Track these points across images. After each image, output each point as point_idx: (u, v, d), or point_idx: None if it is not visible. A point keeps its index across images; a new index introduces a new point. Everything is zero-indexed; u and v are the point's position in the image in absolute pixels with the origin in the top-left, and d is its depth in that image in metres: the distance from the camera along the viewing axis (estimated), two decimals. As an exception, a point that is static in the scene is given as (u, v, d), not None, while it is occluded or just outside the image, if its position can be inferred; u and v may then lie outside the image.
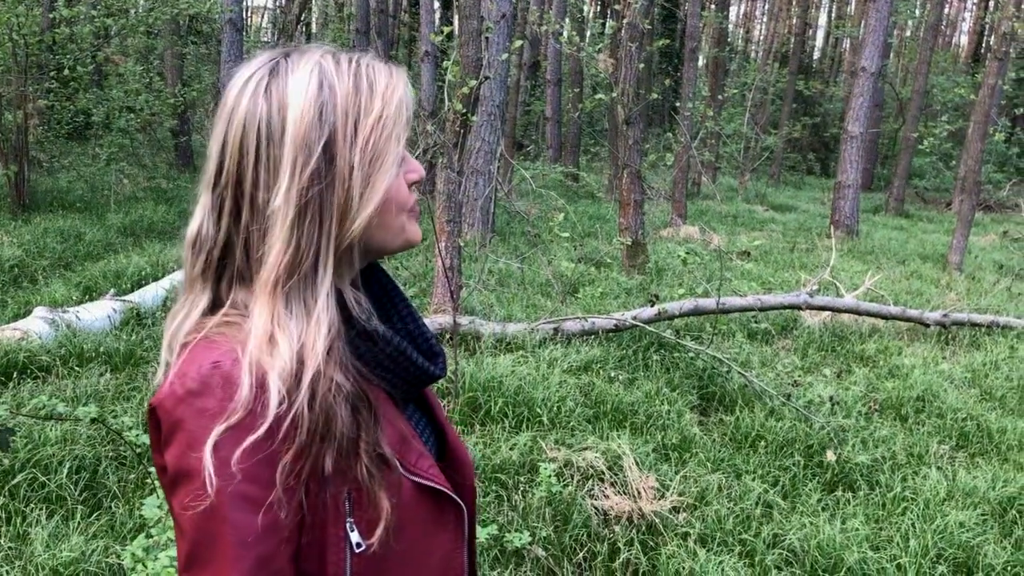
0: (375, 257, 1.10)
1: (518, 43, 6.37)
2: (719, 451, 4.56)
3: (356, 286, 1.04)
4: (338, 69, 0.99)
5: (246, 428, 0.91)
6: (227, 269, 1.00)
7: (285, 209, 0.95)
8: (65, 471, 3.62)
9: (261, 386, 0.92)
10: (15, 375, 4.76)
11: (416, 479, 1.06)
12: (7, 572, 3.06)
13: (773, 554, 3.61)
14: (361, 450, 0.97)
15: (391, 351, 1.05)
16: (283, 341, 0.94)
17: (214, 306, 1.01)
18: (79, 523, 3.36)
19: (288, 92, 0.97)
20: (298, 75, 0.98)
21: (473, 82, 5.75)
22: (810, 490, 4.22)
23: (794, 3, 30.11)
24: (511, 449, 4.17)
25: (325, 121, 0.96)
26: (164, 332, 1.03)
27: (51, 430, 3.86)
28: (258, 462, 0.91)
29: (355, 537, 0.98)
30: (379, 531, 0.99)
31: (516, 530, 3.49)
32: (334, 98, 0.97)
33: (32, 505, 3.47)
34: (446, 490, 1.11)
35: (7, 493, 3.49)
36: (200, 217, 1.01)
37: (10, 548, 3.19)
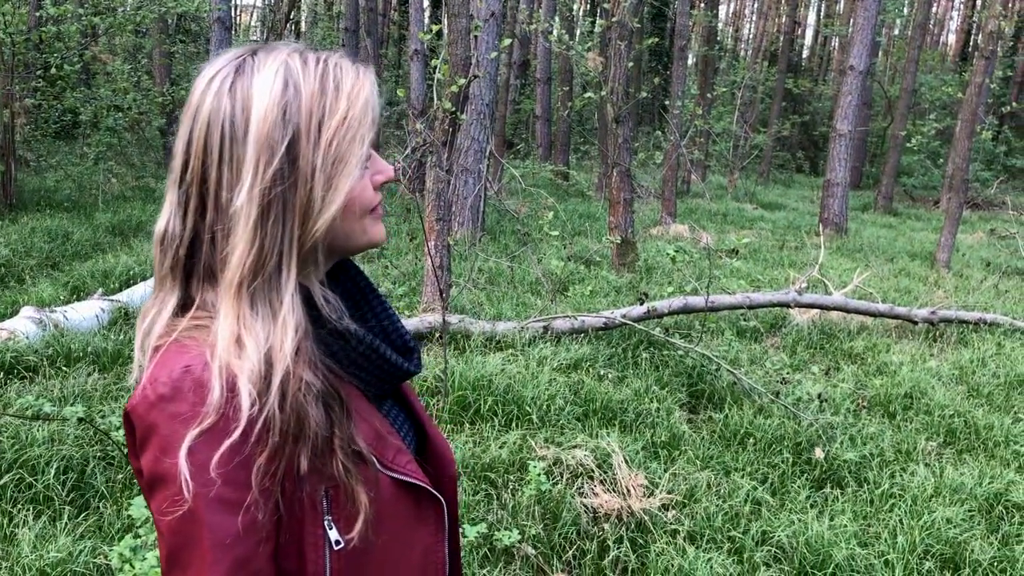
0: (340, 257, 1.09)
1: (507, 42, 6.37)
2: (708, 449, 4.57)
3: (324, 284, 1.04)
4: (304, 69, 0.99)
5: (220, 432, 0.91)
6: (196, 267, 1.00)
7: (248, 209, 0.94)
8: (52, 472, 3.60)
9: (232, 389, 0.92)
10: (2, 375, 4.74)
11: (394, 475, 1.06)
12: (-6, 573, 3.04)
13: (762, 551, 3.62)
14: (336, 447, 0.97)
15: (364, 349, 1.06)
16: (250, 343, 0.94)
17: (185, 305, 1.01)
18: (66, 524, 3.35)
19: (252, 91, 0.96)
20: (263, 74, 0.97)
21: (462, 81, 5.75)
22: (798, 487, 4.23)
23: (783, 2, 30.21)
24: (501, 448, 4.17)
25: (289, 121, 0.96)
26: (136, 331, 1.03)
27: (38, 430, 3.84)
28: (234, 465, 0.91)
29: (334, 535, 0.99)
30: (358, 526, 0.99)
31: (506, 528, 3.49)
32: (299, 98, 0.97)
33: (19, 506, 3.45)
34: (424, 485, 1.11)
35: (-6, 494, 3.47)
36: (167, 214, 1.01)
37: (-3, 549, 3.18)
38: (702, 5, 21.11)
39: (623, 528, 3.70)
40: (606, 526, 3.69)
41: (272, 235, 0.95)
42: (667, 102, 15.39)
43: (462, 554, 2.49)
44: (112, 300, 6.15)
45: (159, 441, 0.92)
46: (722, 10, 41.82)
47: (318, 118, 0.97)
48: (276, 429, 0.93)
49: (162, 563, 0.96)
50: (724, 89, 22.07)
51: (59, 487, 3.57)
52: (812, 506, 4.08)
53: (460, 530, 1.24)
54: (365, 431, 1.03)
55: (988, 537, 3.87)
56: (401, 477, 1.07)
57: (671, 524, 3.76)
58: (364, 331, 1.06)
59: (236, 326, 0.95)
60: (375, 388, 1.10)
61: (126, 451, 3.50)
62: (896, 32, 36.03)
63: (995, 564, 3.65)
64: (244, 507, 0.92)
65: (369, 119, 1.01)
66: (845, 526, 3.81)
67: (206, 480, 0.90)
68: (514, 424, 4.55)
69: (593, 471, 4.02)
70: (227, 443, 0.91)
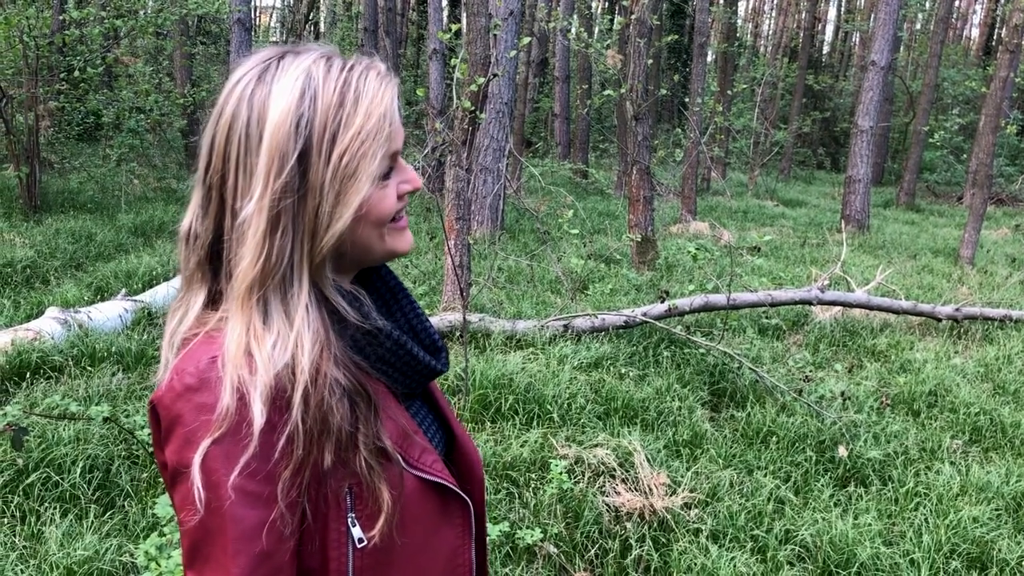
0: (361, 266, 1.09)
1: (526, 40, 6.36)
2: (730, 447, 4.55)
3: (346, 288, 1.04)
4: (327, 77, 0.97)
5: (238, 444, 0.91)
6: (222, 264, 1.00)
7: (257, 219, 0.94)
8: (78, 470, 3.63)
9: (244, 402, 0.92)
10: (28, 375, 4.79)
11: (419, 474, 1.06)
12: (22, 571, 3.08)
13: (785, 550, 3.60)
14: (359, 443, 0.98)
15: (391, 345, 1.06)
16: (262, 357, 0.93)
17: (214, 299, 1.01)
18: (92, 522, 3.38)
19: (270, 101, 0.96)
20: (283, 82, 0.96)
21: (481, 80, 5.75)
22: (822, 486, 4.20)
23: (803, -3, 29.97)
24: (522, 446, 4.17)
25: (301, 134, 0.95)
26: (165, 329, 1.04)
27: (64, 430, 3.87)
28: (257, 455, 0.92)
29: (357, 532, 0.99)
30: (380, 523, 0.99)
31: (528, 527, 3.49)
32: (314, 110, 0.96)
33: (46, 504, 3.49)
34: (450, 485, 1.10)
35: (21, 492, 3.51)
36: (192, 213, 1.01)
37: (25, 547, 3.21)
38: (721, 2, 20.97)
39: (645, 527, 3.68)
40: (628, 525, 3.68)
41: (280, 246, 0.95)
42: (687, 99, 15.33)
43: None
44: (135, 300, 6.20)
45: (184, 432, 0.93)
46: (741, 6, 41.62)
47: (332, 131, 0.96)
48: (300, 443, 0.93)
49: (184, 556, 0.97)
50: (744, 86, 21.92)
51: (85, 486, 3.61)
52: (836, 505, 4.05)
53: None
54: (391, 429, 1.03)
55: (1015, 536, 3.83)
56: (427, 476, 1.07)
57: (693, 523, 3.74)
58: (392, 327, 1.07)
59: (245, 337, 0.94)
60: (403, 386, 1.10)
61: (151, 449, 3.53)
62: (918, 26, 35.71)
63: (1023, 563, 3.61)
64: (267, 501, 0.92)
65: (385, 133, 0.99)
66: (869, 525, 3.78)
67: (221, 493, 0.91)
68: (535, 423, 4.55)
69: (615, 470, 4.01)
70: (243, 458, 0.91)
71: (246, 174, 0.96)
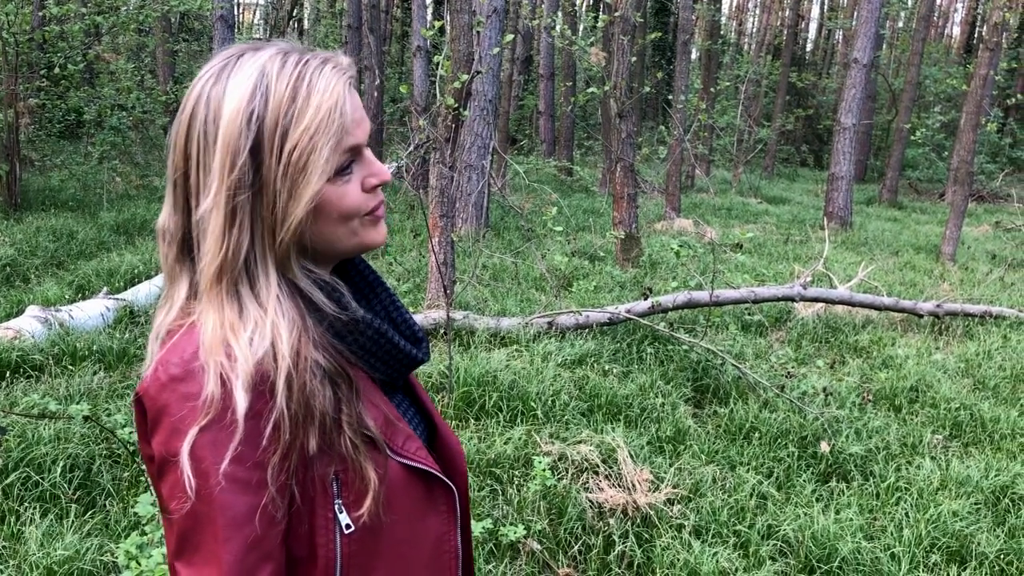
0: (335, 259, 1.09)
1: (509, 37, 6.36)
2: (713, 443, 4.57)
3: (325, 279, 1.04)
4: (280, 73, 0.98)
5: (224, 431, 0.92)
6: (197, 259, 1.01)
7: (216, 214, 0.96)
8: (59, 470, 3.61)
9: (227, 391, 0.93)
10: (8, 374, 4.76)
11: (404, 461, 1.07)
12: (1, 571, 3.05)
13: (767, 545, 3.62)
14: (343, 424, 0.99)
15: (372, 333, 1.07)
16: (240, 347, 0.94)
17: (196, 292, 1.02)
18: (73, 521, 3.36)
19: (224, 98, 0.97)
20: (237, 78, 0.97)
21: (465, 77, 5.74)
22: (804, 481, 4.23)
23: (786, -5, 30.11)
24: (506, 443, 4.18)
25: (252, 129, 0.95)
26: (152, 325, 1.05)
27: (44, 429, 3.85)
28: (244, 441, 0.92)
29: (344, 519, 1.00)
30: (367, 503, 1.00)
31: (511, 524, 3.50)
32: (265, 105, 0.96)
33: (26, 504, 3.46)
34: (435, 471, 1.12)
35: (1, 492, 3.48)
36: (165, 210, 1.03)
37: (4, 547, 3.19)
38: (705, -1, 21.03)
39: (628, 523, 3.70)
40: (611, 521, 3.69)
41: (238, 241, 0.96)
42: (670, 97, 15.37)
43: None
44: (117, 299, 6.16)
45: (171, 422, 0.93)
46: (725, 4, 41.75)
47: (284, 126, 0.96)
48: (286, 427, 0.94)
49: (170, 548, 0.97)
50: (728, 83, 21.98)
51: (65, 485, 3.58)
52: (818, 500, 4.08)
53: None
54: (375, 416, 1.05)
55: (995, 530, 3.86)
56: (412, 463, 1.08)
57: (676, 518, 3.76)
58: (372, 316, 1.08)
59: (221, 329, 0.95)
60: (384, 375, 1.11)
61: (133, 448, 3.51)
62: (900, 25, 35.93)
63: (1002, 556, 3.65)
64: (255, 487, 0.93)
65: (336, 126, 0.98)
66: (851, 519, 3.81)
67: (210, 480, 0.92)
68: (519, 420, 4.55)
69: (598, 466, 4.02)
70: (231, 444, 0.92)
71: (204, 171, 0.97)
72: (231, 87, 0.97)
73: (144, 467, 3.04)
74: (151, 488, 2.83)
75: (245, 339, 0.95)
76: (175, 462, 0.92)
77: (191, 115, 0.98)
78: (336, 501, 0.99)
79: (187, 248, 1.01)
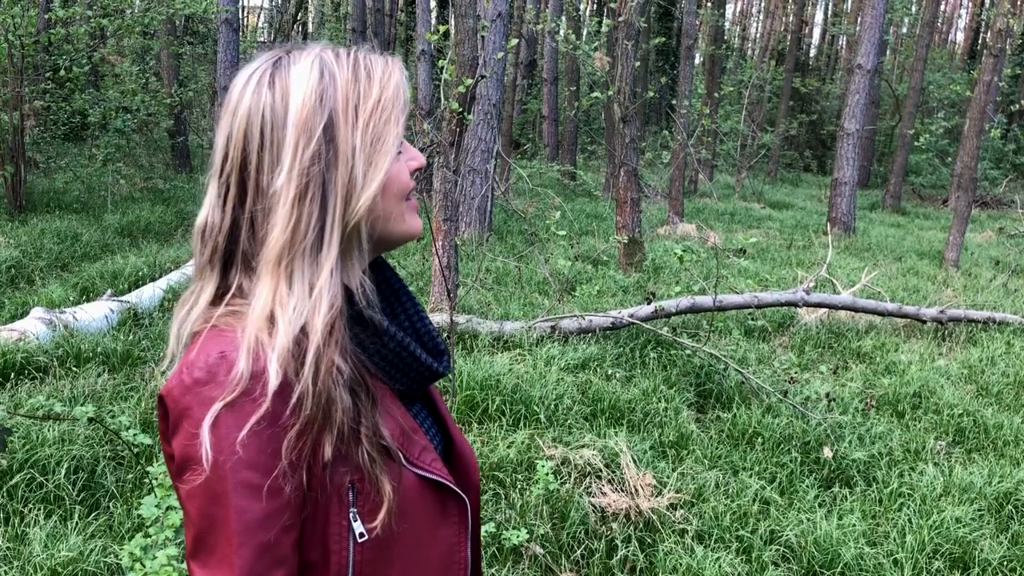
0: (382, 248, 1.11)
1: (514, 42, 6.37)
2: (716, 448, 4.57)
3: (364, 280, 1.06)
4: (338, 60, 1.04)
5: (247, 408, 0.93)
6: (234, 255, 1.03)
7: (287, 189, 0.98)
8: (63, 471, 3.62)
9: (260, 366, 0.94)
10: (12, 376, 4.77)
11: (419, 472, 1.08)
12: (5, 572, 3.06)
13: (770, 550, 3.62)
14: (361, 435, 1.00)
15: (394, 346, 1.08)
16: (282, 321, 0.97)
17: (222, 293, 1.03)
18: (77, 523, 3.37)
19: (291, 81, 1.01)
20: (300, 66, 1.02)
21: (469, 81, 5.75)
22: (807, 486, 4.23)
23: (790, 0, 30.11)
24: (508, 447, 4.18)
25: (326, 105, 1.00)
26: (173, 320, 1.06)
27: (49, 430, 3.86)
28: (260, 447, 0.93)
29: (358, 527, 1.01)
30: (381, 515, 1.01)
31: (514, 528, 3.50)
32: (334, 85, 1.02)
33: (30, 505, 3.47)
34: (449, 483, 1.12)
35: (5, 493, 3.49)
36: (207, 206, 1.04)
37: (8, 548, 3.20)
38: (709, 4, 21.05)
39: (631, 527, 3.70)
40: (614, 525, 3.69)
41: (309, 213, 0.99)
42: (674, 101, 15.38)
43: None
44: (121, 301, 6.17)
45: (192, 424, 0.94)
46: (729, 9, 41.78)
47: (354, 102, 1.02)
48: (309, 403, 0.95)
49: (188, 546, 0.99)
50: (731, 88, 22.01)
51: (70, 487, 3.59)
52: (820, 505, 4.08)
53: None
54: (392, 427, 1.05)
55: (998, 536, 3.86)
56: (426, 474, 1.09)
57: (679, 523, 3.76)
58: (395, 328, 1.09)
59: (271, 303, 0.98)
60: (403, 386, 1.12)
61: (137, 450, 3.51)
62: (904, 30, 35.90)
63: (1005, 563, 3.65)
64: (269, 491, 0.94)
65: (401, 101, 1.06)
66: (854, 525, 3.81)
67: (230, 459, 0.93)
68: (522, 424, 4.56)
69: (601, 471, 4.02)
70: (253, 418, 0.93)
71: (272, 150, 1.00)
72: (296, 72, 1.02)
73: (151, 472, 3.05)
74: (156, 490, 2.83)
75: (289, 312, 0.97)
76: (194, 463, 0.93)
77: (251, 104, 1.01)
78: (351, 509, 1.00)
79: (229, 242, 1.02)
